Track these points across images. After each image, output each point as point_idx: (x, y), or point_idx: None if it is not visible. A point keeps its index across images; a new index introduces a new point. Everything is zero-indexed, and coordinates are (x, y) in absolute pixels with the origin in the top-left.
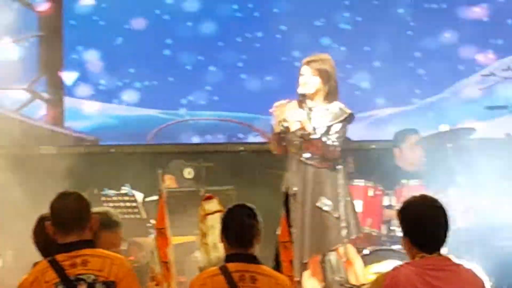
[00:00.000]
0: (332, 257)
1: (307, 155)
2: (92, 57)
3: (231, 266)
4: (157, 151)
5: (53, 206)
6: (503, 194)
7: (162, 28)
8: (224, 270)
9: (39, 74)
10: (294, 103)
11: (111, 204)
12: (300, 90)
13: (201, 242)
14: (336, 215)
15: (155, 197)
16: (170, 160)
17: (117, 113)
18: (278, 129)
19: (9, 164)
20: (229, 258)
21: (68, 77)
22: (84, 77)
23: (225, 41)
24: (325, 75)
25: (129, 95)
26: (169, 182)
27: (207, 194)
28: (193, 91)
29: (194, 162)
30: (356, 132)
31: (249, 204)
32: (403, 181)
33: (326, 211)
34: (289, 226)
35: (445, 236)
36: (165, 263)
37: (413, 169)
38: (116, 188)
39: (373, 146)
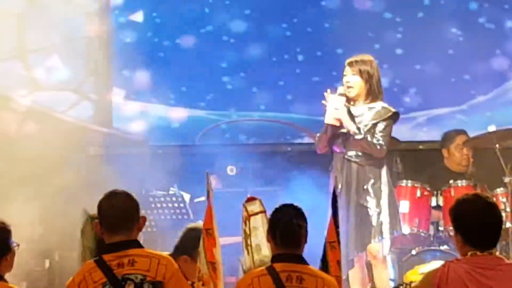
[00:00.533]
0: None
1: (351, 153)
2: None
3: (278, 266)
4: (205, 152)
5: (101, 206)
6: None
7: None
8: (271, 270)
9: (87, 75)
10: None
11: (159, 205)
12: (341, 90)
13: (245, 244)
14: (377, 211)
15: (202, 198)
16: (217, 161)
17: (165, 114)
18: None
19: (59, 165)
20: (276, 258)
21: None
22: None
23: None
24: (366, 75)
25: (176, 95)
26: (213, 182)
27: (249, 196)
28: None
29: (240, 163)
30: (404, 132)
31: (296, 204)
32: (451, 182)
33: (369, 208)
34: (337, 226)
35: (498, 234)
36: (212, 264)
37: (461, 170)
38: (164, 189)
39: (421, 147)
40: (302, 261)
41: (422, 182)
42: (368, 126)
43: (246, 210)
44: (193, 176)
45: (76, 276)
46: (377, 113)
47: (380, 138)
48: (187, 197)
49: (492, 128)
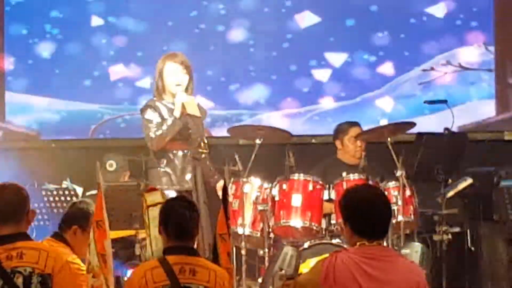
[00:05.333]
0: (290, 250)
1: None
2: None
3: (171, 258)
4: (98, 146)
5: None
6: None
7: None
8: (164, 263)
9: None
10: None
11: (51, 198)
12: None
13: (145, 234)
14: None
15: (94, 191)
16: (109, 155)
17: (59, 107)
18: None
19: None
20: (168, 250)
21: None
22: (23, 71)
23: None
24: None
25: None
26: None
27: (150, 186)
28: None
29: (134, 156)
30: (296, 127)
31: (188, 197)
32: (343, 175)
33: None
34: (227, 218)
35: (386, 225)
36: (102, 255)
37: (354, 162)
38: (56, 183)
39: (314, 141)
40: (195, 254)
41: (315, 176)
42: None
43: (146, 201)
44: (85, 170)
45: None
46: None
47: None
48: (79, 190)
49: (384, 122)
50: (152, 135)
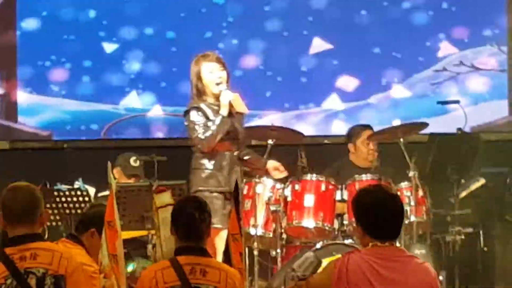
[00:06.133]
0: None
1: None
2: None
3: (182, 259)
4: (110, 146)
5: (4, 199)
6: None
7: None
8: (174, 263)
9: None
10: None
11: (63, 199)
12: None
13: (156, 235)
14: None
15: (107, 192)
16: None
17: (71, 108)
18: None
19: None
20: (179, 251)
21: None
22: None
23: None
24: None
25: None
26: (117, 175)
27: (160, 187)
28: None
29: (146, 156)
30: (309, 127)
31: (199, 197)
32: (356, 175)
33: None
34: (239, 219)
35: (398, 226)
36: (114, 256)
37: (367, 165)
38: (69, 183)
39: (326, 141)
40: (206, 254)
41: (327, 176)
42: None
43: (155, 202)
44: (98, 170)
45: None
46: None
47: None
48: (92, 191)
49: (396, 122)
50: (201, 136)
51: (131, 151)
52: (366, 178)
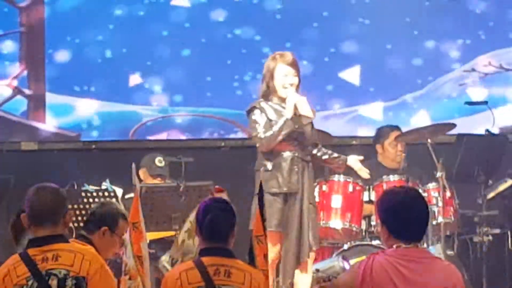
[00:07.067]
0: (341, 262)
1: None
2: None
3: (206, 260)
4: (138, 147)
5: (28, 199)
6: None
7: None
8: (198, 264)
9: (21, 70)
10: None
11: (91, 200)
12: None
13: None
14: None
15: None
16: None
17: (99, 109)
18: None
19: None
20: (204, 252)
21: None
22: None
23: None
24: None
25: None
26: (143, 176)
27: (217, 187)
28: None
29: (173, 157)
30: (337, 128)
31: (224, 198)
32: (383, 176)
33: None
34: (263, 220)
35: (423, 227)
36: (139, 257)
37: (395, 166)
38: (96, 184)
39: (354, 142)
40: (230, 255)
41: (355, 177)
42: None
43: None
44: (126, 172)
45: (1, 269)
46: None
47: None
48: (119, 192)
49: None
50: (261, 135)
51: (159, 152)
52: (394, 179)
